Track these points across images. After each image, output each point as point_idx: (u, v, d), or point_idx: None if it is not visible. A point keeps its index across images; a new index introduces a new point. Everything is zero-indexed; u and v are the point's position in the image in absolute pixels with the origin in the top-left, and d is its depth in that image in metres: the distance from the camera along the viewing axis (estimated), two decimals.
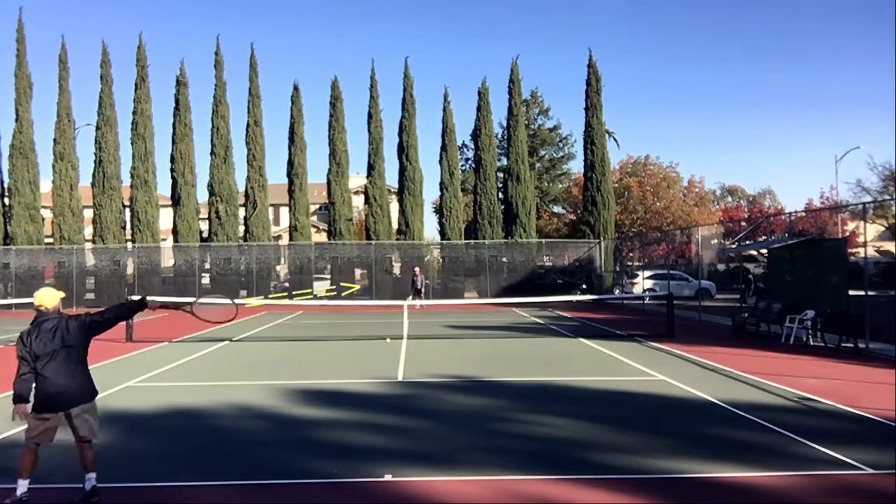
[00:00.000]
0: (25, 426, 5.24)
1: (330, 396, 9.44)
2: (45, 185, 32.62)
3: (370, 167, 32.51)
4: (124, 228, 32.16)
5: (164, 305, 5.70)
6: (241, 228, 32.61)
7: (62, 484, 5.88)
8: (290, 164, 32.22)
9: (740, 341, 15.39)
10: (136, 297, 5.51)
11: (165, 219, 33.74)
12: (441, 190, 32.91)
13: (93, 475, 5.26)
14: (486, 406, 8.74)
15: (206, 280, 31.01)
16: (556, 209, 48.99)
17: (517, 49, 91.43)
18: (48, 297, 5.29)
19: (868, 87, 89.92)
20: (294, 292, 28.67)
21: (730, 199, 60.76)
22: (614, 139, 46.46)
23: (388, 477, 5.84)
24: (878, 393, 9.19)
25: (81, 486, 5.27)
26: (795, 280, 16.48)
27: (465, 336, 16.99)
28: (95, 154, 31.18)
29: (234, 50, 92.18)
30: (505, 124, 35.05)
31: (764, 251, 24.80)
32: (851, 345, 13.64)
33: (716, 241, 39.34)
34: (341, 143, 32.35)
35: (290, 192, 32.33)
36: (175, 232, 31.44)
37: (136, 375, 11.10)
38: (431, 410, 8.52)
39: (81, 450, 5.30)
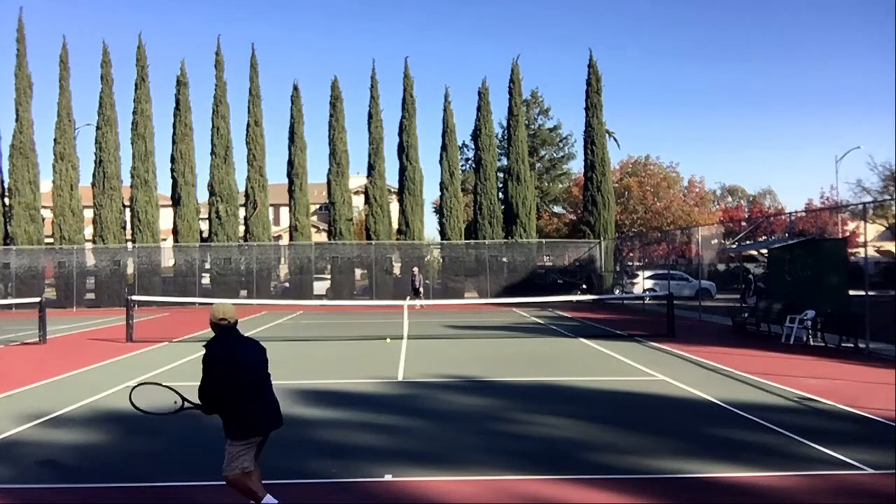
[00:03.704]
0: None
1: (330, 396, 9.45)
2: (46, 185, 32.59)
3: (370, 167, 32.50)
4: (124, 228, 32.14)
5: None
6: (242, 228, 32.59)
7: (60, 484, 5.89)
8: (290, 164, 32.20)
9: (740, 341, 15.39)
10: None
11: (165, 219, 33.72)
12: (441, 190, 32.90)
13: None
14: (486, 406, 8.74)
15: (206, 280, 31.02)
16: (556, 209, 48.93)
17: (517, 49, 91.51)
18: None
19: (868, 87, 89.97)
20: None
21: (730, 199, 60.67)
22: (614, 139, 46.46)
23: (388, 477, 5.84)
24: (878, 393, 9.20)
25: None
26: (795, 280, 16.48)
27: (465, 336, 16.99)
28: (95, 154, 31.15)
29: (234, 50, 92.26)
30: (505, 124, 35.05)
31: (764, 251, 24.80)
32: (851, 345, 13.64)
33: (716, 241, 39.32)
34: (341, 143, 32.33)
35: (290, 192, 32.32)
36: (175, 232, 31.42)
37: (136, 375, 11.10)
38: (431, 410, 8.52)
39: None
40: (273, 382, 5.09)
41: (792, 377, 10.41)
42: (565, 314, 23.36)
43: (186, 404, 4.91)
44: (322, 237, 38.35)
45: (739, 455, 6.39)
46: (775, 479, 5.73)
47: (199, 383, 4.81)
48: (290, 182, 32.28)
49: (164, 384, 5.10)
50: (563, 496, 5.40)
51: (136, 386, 5.27)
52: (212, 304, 5.47)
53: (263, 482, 5.13)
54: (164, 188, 33.51)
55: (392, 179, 33.03)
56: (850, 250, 25.87)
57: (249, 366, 4.86)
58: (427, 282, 29.50)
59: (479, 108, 33.02)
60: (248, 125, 31.99)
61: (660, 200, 43.32)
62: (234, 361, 4.76)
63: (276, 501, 4.83)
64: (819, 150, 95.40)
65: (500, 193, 33.85)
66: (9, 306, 25.34)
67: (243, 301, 27.47)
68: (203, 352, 4.85)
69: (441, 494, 5.46)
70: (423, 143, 35.88)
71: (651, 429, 7.50)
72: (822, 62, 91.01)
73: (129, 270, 30.61)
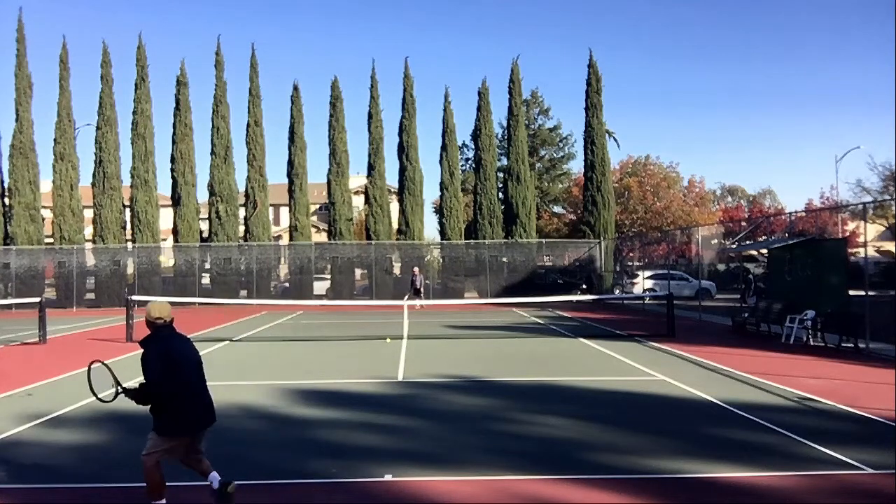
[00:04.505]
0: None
1: (330, 396, 9.44)
2: (46, 185, 32.59)
3: (370, 167, 32.50)
4: (124, 228, 32.13)
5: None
6: (242, 228, 32.59)
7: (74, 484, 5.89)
8: (290, 164, 32.21)
9: (740, 341, 15.39)
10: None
11: (165, 219, 33.72)
12: (441, 190, 32.90)
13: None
14: (486, 406, 8.74)
15: (206, 280, 31.01)
16: (556, 209, 48.95)
17: (517, 49, 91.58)
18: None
19: (868, 87, 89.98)
20: None
21: (730, 199, 60.69)
22: (614, 139, 46.48)
23: (388, 477, 5.85)
24: (878, 393, 9.20)
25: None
26: (795, 280, 16.48)
27: (465, 336, 16.99)
28: (95, 154, 31.15)
29: (234, 50, 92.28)
30: (505, 124, 35.06)
31: (764, 251, 24.80)
32: (851, 345, 13.64)
33: (716, 241, 39.33)
34: (341, 143, 32.33)
35: (290, 192, 32.32)
36: (175, 232, 31.42)
37: (136, 375, 11.04)
38: (431, 410, 8.52)
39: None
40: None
41: (792, 377, 10.40)
42: (565, 314, 23.36)
43: (120, 389, 4.96)
44: (322, 237, 38.34)
45: (739, 455, 6.39)
46: (775, 479, 5.73)
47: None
48: (290, 182, 32.28)
49: (110, 370, 5.06)
50: (563, 496, 5.40)
51: (93, 363, 5.29)
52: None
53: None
54: (164, 188, 33.57)
55: (392, 179, 33.09)
56: (850, 250, 25.87)
57: (189, 363, 4.97)
58: (427, 282, 29.48)
59: (479, 108, 33.02)
60: (248, 125, 31.99)
61: (660, 200, 43.33)
62: (174, 359, 4.86)
63: None
64: (819, 150, 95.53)
65: (500, 193, 33.85)
66: (9, 306, 25.34)
67: (243, 301, 27.50)
68: (140, 350, 4.94)
69: (441, 494, 5.45)
70: (423, 143, 35.93)
71: (651, 429, 7.50)
72: (822, 62, 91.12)
73: (129, 270, 30.61)
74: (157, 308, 5.04)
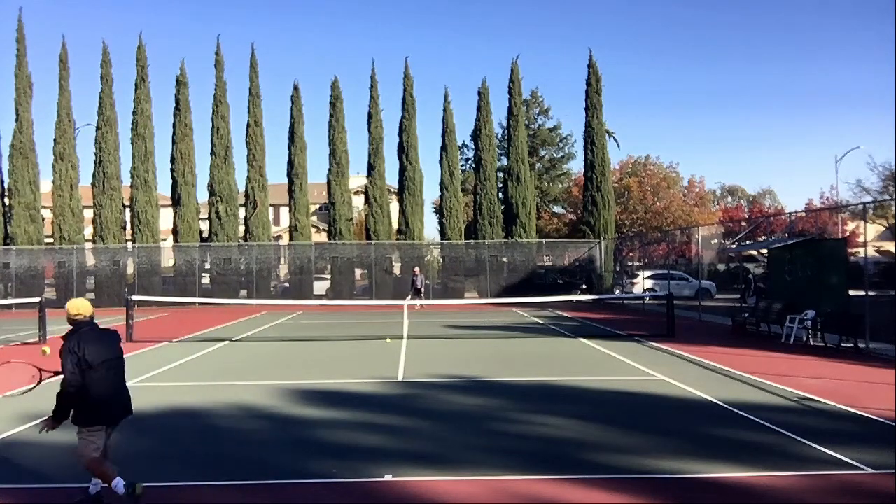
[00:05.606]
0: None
1: (330, 396, 9.45)
2: (45, 185, 32.58)
3: (370, 167, 32.50)
4: (124, 228, 32.14)
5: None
6: (241, 228, 32.59)
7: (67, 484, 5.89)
8: (290, 164, 32.21)
9: (740, 341, 15.39)
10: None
11: (165, 219, 33.72)
12: (441, 190, 32.90)
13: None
14: (486, 406, 8.74)
15: (206, 280, 31.01)
16: (556, 209, 48.96)
17: (517, 49, 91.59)
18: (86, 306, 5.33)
19: (868, 87, 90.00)
20: None
21: (730, 199, 60.72)
22: (614, 139, 46.50)
23: (388, 477, 5.85)
24: (877, 393, 9.20)
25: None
26: (795, 280, 16.48)
27: (465, 336, 16.99)
28: (95, 154, 31.15)
29: (234, 50, 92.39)
30: (505, 124, 35.05)
31: (764, 251, 24.80)
32: (851, 345, 13.64)
33: (716, 241, 39.34)
34: (341, 143, 32.33)
35: (290, 192, 32.32)
36: (175, 232, 31.42)
37: (136, 375, 11.09)
38: (431, 410, 8.52)
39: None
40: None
41: (792, 377, 10.41)
42: (565, 314, 23.35)
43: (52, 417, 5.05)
44: (322, 237, 38.34)
45: (739, 455, 6.39)
46: (775, 479, 5.73)
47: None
48: (290, 182, 32.28)
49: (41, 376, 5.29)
50: (563, 496, 5.40)
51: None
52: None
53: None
54: (164, 188, 33.57)
55: (392, 179, 33.09)
56: (850, 250, 25.87)
57: (102, 358, 5.10)
58: (427, 282, 29.48)
59: (478, 108, 33.01)
60: (248, 125, 31.99)
61: (660, 200, 43.34)
62: (86, 354, 4.98)
63: (124, 482, 5.05)
64: (819, 150, 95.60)
65: (500, 193, 33.85)
66: (9, 306, 25.33)
67: (243, 301, 27.50)
68: (62, 344, 5.07)
69: (441, 494, 5.46)
70: (423, 143, 35.96)
71: (651, 429, 7.50)
72: (822, 62, 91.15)
73: (129, 270, 30.61)
74: (76, 305, 5.23)
